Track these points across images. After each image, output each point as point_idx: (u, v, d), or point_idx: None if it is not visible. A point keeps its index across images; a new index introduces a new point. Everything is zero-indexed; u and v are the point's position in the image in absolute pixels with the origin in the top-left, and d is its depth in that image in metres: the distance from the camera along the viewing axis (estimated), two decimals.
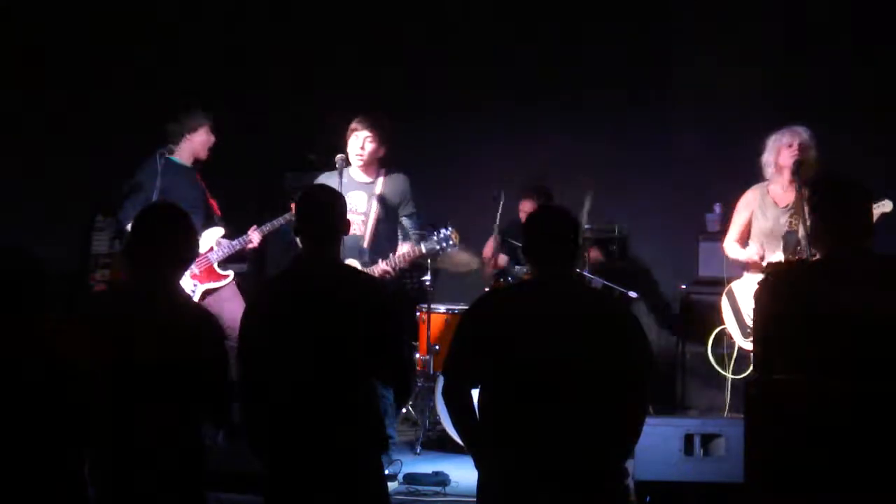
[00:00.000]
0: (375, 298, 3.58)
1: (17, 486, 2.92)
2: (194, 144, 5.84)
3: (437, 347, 6.10)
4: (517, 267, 6.29)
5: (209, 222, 5.81)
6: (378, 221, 5.40)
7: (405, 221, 5.51)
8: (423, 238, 5.39)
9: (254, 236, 5.71)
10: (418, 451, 5.95)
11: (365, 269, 5.03)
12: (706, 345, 5.70)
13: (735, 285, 5.28)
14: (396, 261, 5.26)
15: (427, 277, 6.22)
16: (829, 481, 3.08)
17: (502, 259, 6.86)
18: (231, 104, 7.12)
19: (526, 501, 3.24)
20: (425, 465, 5.58)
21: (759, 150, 5.31)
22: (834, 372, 3.14)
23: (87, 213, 6.09)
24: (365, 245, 5.33)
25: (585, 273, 6.32)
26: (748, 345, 5.13)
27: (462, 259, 6.24)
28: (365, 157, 5.37)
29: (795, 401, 3.14)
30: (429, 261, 5.94)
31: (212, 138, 5.86)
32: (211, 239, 5.76)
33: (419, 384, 6.32)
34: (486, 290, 6.28)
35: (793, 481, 3.12)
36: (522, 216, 6.73)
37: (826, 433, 3.08)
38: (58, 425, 2.97)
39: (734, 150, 6.63)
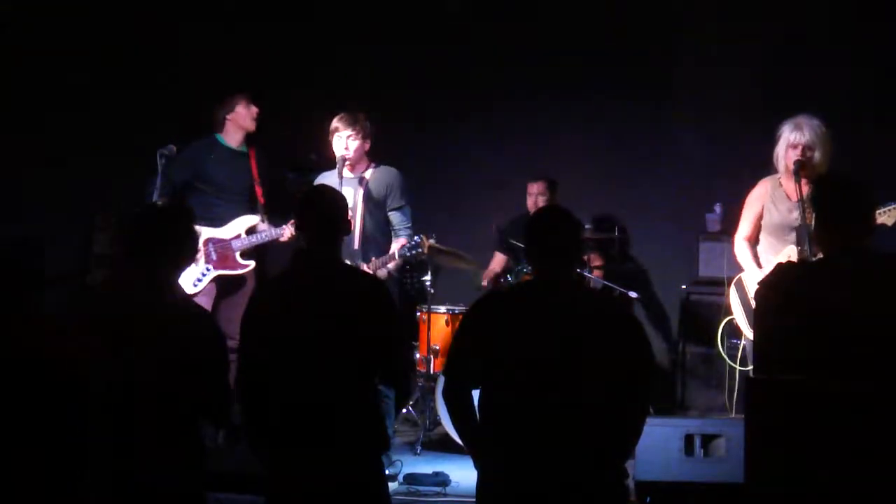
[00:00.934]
0: (376, 298, 3.59)
1: (17, 486, 2.92)
2: (238, 121, 5.87)
3: (437, 348, 6.10)
4: (518, 267, 6.29)
5: (249, 208, 5.80)
6: (365, 214, 5.40)
7: (393, 216, 5.50)
8: (410, 236, 5.40)
9: (286, 230, 5.63)
10: (418, 451, 5.94)
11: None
12: (713, 341, 5.70)
13: (745, 276, 5.25)
14: (377, 264, 5.26)
15: (427, 278, 6.22)
16: (830, 481, 3.08)
17: (499, 265, 6.90)
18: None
19: (526, 502, 3.24)
20: (425, 466, 5.57)
21: (760, 149, 5.29)
22: (834, 372, 3.14)
23: (87, 213, 6.09)
24: (356, 240, 5.33)
25: (585, 273, 6.32)
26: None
27: (462, 260, 6.24)
28: (352, 156, 5.41)
29: (795, 401, 3.14)
30: (427, 260, 5.94)
31: (253, 109, 5.88)
32: (241, 226, 5.73)
33: (419, 384, 6.32)
34: (487, 290, 6.30)
35: (793, 481, 3.12)
36: (530, 200, 6.75)
37: (826, 433, 3.08)
38: (57, 425, 2.97)
39: (734, 150, 6.65)
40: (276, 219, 5.78)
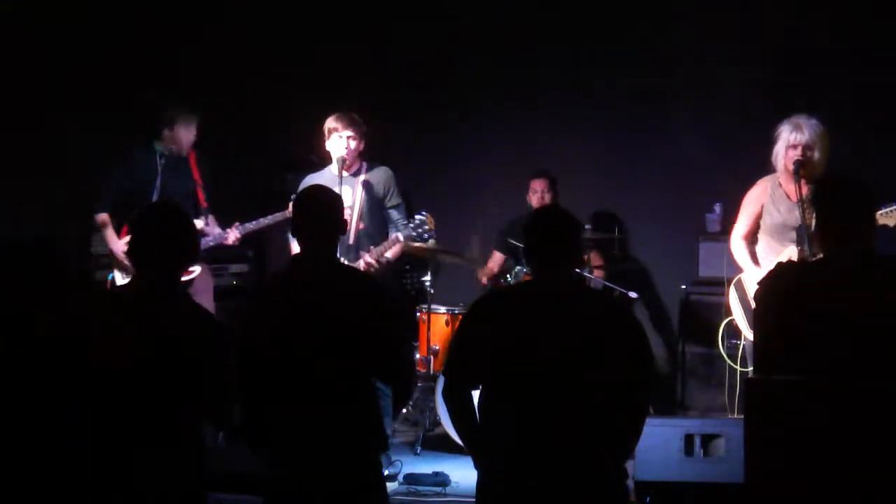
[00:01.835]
0: (375, 298, 3.58)
1: (17, 486, 2.93)
2: (176, 138, 5.86)
3: (437, 348, 6.10)
4: (517, 267, 6.30)
5: (192, 213, 5.80)
6: (364, 211, 5.41)
7: (392, 213, 5.51)
8: (407, 227, 5.40)
9: (231, 234, 5.67)
10: (418, 451, 5.95)
11: (350, 264, 5.01)
12: (713, 341, 5.70)
13: (744, 276, 5.25)
14: (379, 251, 5.25)
15: (427, 278, 6.23)
16: (830, 482, 3.07)
17: (496, 264, 6.90)
18: (231, 105, 7.13)
19: (525, 502, 3.24)
20: (425, 466, 5.58)
21: (760, 149, 5.29)
22: (834, 372, 3.14)
23: (87, 213, 6.09)
24: (351, 236, 5.33)
25: (585, 273, 6.32)
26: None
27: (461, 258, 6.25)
28: (351, 156, 5.42)
29: (795, 401, 3.14)
30: (428, 259, 5.94)
31: (192, 133, 5.87)
32: None
33: (419, 384, 6.32)
34: (487, 290, 6.30)
35: (793, 481, 3.12)
36: (534, 197, 6.74)
37: (826, 433, 3.08)
38: (58, 425, 2.97)
39: (734, 150, 6.64)
40: (224, 222, 5.79)
